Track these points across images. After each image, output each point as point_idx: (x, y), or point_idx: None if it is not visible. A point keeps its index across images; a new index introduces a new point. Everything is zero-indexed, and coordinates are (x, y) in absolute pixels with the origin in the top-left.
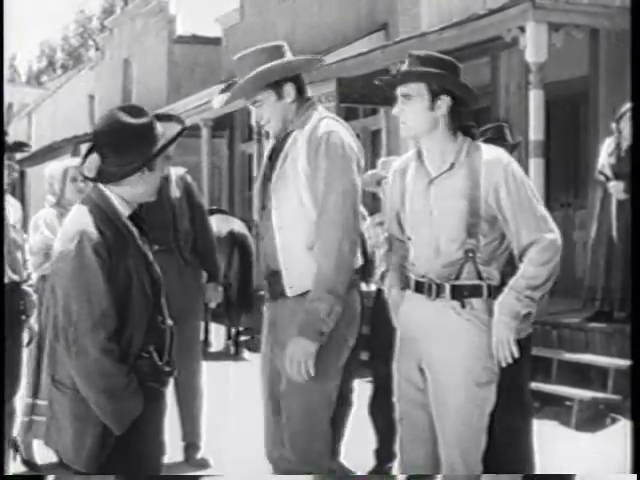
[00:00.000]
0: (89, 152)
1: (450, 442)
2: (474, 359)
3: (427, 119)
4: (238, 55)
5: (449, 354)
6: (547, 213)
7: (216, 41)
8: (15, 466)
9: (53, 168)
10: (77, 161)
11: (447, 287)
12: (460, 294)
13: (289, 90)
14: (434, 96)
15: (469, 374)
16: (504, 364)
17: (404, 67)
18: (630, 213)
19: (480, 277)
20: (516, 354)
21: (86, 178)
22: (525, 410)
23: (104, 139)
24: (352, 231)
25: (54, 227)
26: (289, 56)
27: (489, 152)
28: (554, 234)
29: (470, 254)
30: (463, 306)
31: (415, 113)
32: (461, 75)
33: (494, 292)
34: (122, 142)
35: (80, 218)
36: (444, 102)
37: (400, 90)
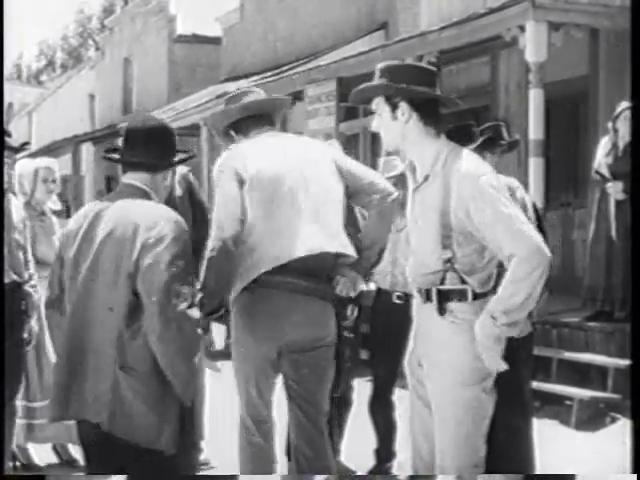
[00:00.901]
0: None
1: (442, 443)
2: (460, 360)
3: (393, 130)
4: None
5: (437, 355)
6: (526, 225)
7: (216, 40)
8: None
9: (23, 167)
10: (47, 161)
11: (433, 291)
12: (446, 298)
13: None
14: (393, 107)
15: (455, 375)
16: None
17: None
18: (629, 212)
19: (464, 282)
20: (504, 367)
21: (130, 164)
22: (525, 409)
23: (144, 135)
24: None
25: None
26: None
27: (465, 163)
28: (531, 247)
29: (448, 264)
30: (444, 312)
31: (384, 126)
32: (444, 79)
33: (480, 295)
34: (164, 139)
35: (159, 207)
36: (403, 110)
37: (372, 106)
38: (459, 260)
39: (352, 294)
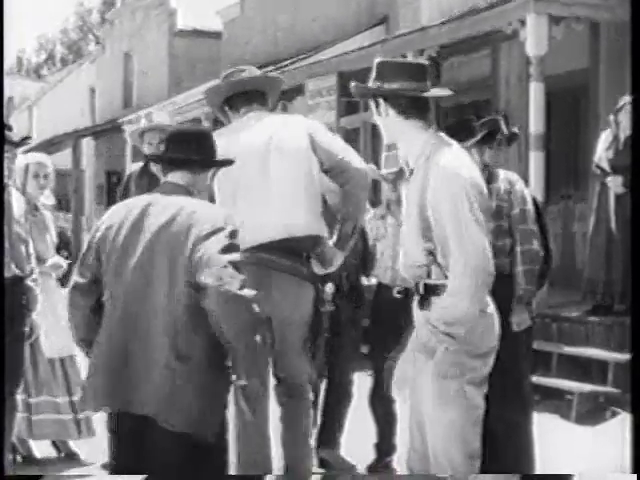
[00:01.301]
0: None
1: (432, 437)
2: (438, 355)
3: (382, 125)
4: None
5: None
6: (478, 236)
7: (217, 34)
8: (19, 468)
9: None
10: (39, 156)
11: (421, 284)
12: (432, 292)
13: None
14: (376, 104)
15: (437, 368)
16: None
17: None
18: (629, 206)
19: (447, 277)
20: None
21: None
22: (524, 403)
23: (187, 137)
24: None
25: None
26: None
27: (445, 157)
28: (475, 260)
29: (432, 257)
30: (424, 305)
31: (378, 122)
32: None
33: None
34: (205, 142)
35: (207, 203)
36: (383, 107)
37: None
38: (440, 253)
39: (331, 270)
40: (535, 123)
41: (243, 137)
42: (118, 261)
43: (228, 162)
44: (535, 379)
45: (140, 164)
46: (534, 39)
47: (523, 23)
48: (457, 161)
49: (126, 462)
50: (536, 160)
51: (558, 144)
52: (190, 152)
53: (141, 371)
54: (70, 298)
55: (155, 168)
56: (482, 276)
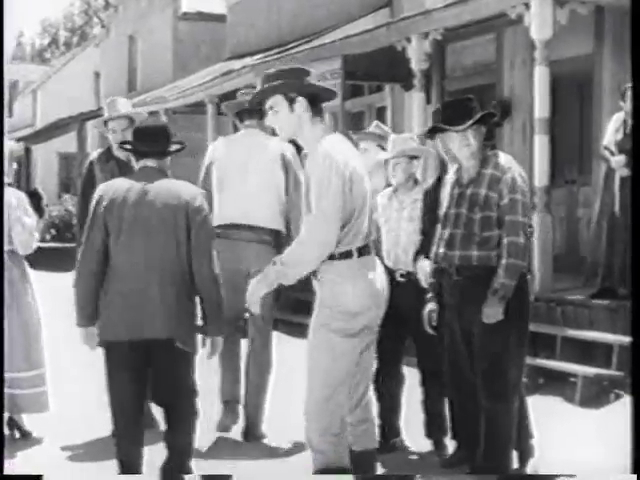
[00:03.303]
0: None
1: (307, 388)
2: (316, 308)
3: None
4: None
5: None
6: (330, 211)
7: (221, 18)
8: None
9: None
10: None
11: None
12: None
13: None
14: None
15: (312, 320)
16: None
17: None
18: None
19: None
20: (255, 308)
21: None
22: (506, 393)
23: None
24: None
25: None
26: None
27: (325, 141)
28: (314, 232)
29: None
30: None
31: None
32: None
33: (336, 257)
34: (167, 133)
35: (183, 183)
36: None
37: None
38: None
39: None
40: (540, 107)
41: (230, 150)
42: (127, 226)
43: (180, 149)
44: (539, 362)
45: (99, 150)
46: (538, 23)
47: (527, 6)
48: (331, 147)
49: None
50: (541, 144)
51: (562, 129)
52: (154, 145)
53: (152, 305)
54: (80, 265)
55: (121, 154)
56: (318, 248)
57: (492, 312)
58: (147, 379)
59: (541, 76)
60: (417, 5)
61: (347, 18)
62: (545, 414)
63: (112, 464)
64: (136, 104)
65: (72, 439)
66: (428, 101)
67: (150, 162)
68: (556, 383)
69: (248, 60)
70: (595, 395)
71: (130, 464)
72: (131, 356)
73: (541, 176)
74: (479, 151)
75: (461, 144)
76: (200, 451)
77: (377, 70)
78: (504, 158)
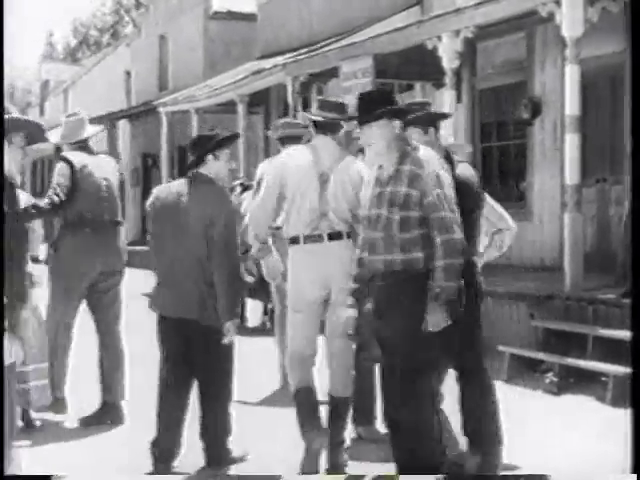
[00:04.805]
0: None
1: None
2: None
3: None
4: None
5: None
6: (262, 206)
7: (251, 17)
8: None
9: None
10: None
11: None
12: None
13: None
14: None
15: None
16: None
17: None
18: None
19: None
20: None
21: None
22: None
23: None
24: None
25: None
26: None
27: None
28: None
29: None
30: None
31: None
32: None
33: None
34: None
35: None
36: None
37: None
38: None
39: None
40: (571, 105)
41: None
42: (168, 222)
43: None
44: (570, 361)
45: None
46: (569, 20)
47: (558, 4)
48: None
49: (175, 352)
50: (571, 142)
51: (593, 127)
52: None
53: (185, 292)
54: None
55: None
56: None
57: (435, 319)
58: (191, 362)
59: (572, 74)
60: (448, 3)
61: (378, 17)
62: (575, 413)
63: (122, 465)
64: (167, 103)
65: (82, 437)
66: (459, 100)
67: (204, 170)
68: (587, 382)
69: (279, 59)
70: (626, 394)
71: (166, 444)
72: (174, 328)
73: (572, 174)
74: (395, 147)
75: (368, 139)
76: None
77: (408, 68)
78: (424, 152)
